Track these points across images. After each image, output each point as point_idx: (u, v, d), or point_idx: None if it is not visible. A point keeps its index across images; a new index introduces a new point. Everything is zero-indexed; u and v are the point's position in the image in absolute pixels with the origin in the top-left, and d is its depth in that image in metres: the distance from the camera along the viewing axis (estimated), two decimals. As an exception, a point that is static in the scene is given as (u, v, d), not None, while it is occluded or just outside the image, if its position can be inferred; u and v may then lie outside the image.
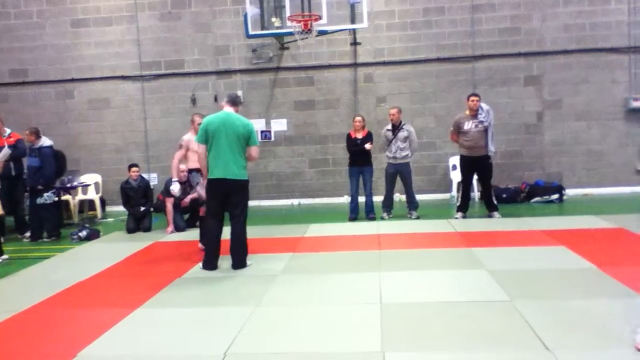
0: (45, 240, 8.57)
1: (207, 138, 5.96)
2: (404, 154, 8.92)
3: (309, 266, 6.15)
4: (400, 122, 8.99)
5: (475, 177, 8.97)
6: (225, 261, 6.23)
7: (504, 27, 10.89)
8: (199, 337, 4.16)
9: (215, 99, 11.32)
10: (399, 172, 9.02)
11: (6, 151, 7.43)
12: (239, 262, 6.11)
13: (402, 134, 8.90)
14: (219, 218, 6.11)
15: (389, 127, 9.05)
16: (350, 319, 4.38)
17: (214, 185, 6.00)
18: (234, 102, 6.19)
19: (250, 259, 6.25)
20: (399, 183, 9.17)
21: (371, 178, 9.01)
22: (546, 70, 10.90)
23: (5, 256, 7.27)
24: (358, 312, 4.53)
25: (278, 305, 4.87)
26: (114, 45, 11.52)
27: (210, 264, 6.09)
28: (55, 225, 8.77)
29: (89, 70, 11.60)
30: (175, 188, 7.07)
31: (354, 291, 5.12)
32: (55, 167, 8.88)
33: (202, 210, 6.91)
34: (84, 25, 11.53)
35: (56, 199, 8.86)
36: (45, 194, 8.56)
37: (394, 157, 8.96)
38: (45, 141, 8.73)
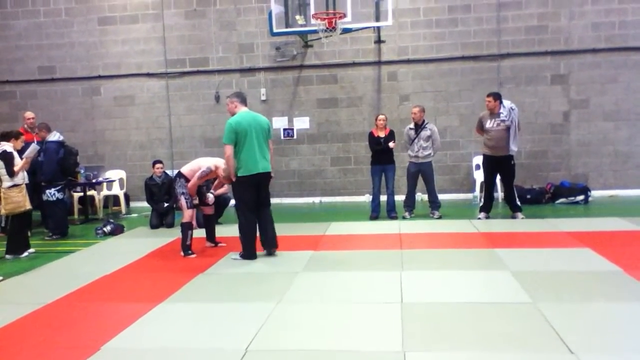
0: (46, 239, 8.31)
1: (236, 138, 6.22)
2: (426, 153, 8.87)
3: (330, 264, 6.15)
4: (423, 121, 8.94)
5: (498, 177, 8.88)
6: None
7: (530, 25, 10.73)
8: (220, 333, 4.19)
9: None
10: (421, 171, 8.97)
11: (34, 147, 7.52)
12: (275, 242, 6.62)
13: (424, 133, 8.85)
14: (254, 211, 6.46)
15: (412, 125, 9.01)
16: (371, 318, 4.37)
17: (250, 180, 6.29)
18: (245, 100, 6.62)
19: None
20: (420, 182, 9.13)
21: (393, 177, 8.99)
22: (573, 69, 10.72)
23: (31, 250, 7.35)
24: (379, 311, 4.51)
25: (299, 302, 4.88)
26: (139, 43, 11.64)
27: (253, 254, 6.45)
28: (59, 223, 8.48)
29: (115, 67, 11.75)
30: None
31: (374, 290, 5.11)
32: (59, 163, 8.42)
33: (208, 210, 7.37)
34: (111, 22, 11.68)
35: (61, 196, 8.44)
36: (48, 191, 8.30)
37: (416, 156, 8.91)
38: (52, 136, 8.52)
